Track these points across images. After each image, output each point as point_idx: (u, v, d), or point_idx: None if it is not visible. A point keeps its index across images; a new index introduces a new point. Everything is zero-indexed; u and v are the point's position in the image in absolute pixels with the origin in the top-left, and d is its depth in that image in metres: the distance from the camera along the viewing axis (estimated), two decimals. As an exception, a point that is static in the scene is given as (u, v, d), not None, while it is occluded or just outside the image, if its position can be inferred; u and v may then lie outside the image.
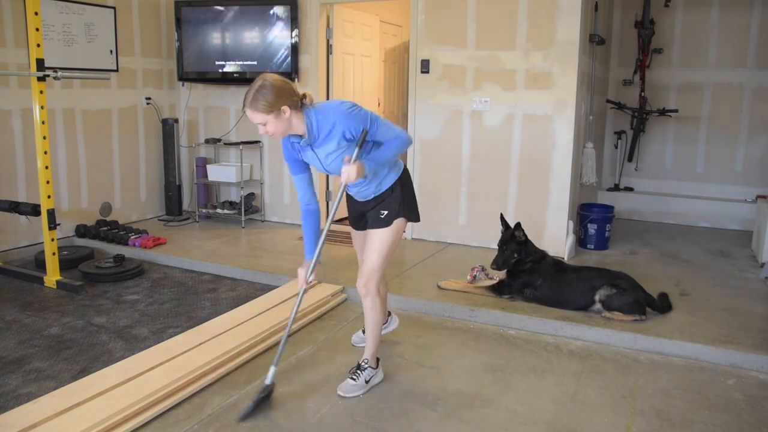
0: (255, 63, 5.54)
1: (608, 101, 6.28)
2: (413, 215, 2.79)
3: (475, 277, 4.07)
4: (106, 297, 3.95)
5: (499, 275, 3.96)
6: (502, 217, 3.85)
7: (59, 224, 4.25)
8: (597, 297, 3.51)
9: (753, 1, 5.82)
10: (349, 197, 2.83)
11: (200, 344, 3.03)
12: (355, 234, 2.93)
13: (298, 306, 2.73)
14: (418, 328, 3.50)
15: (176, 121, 5.92)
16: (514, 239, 3.75)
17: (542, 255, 3.77)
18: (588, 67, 5.07)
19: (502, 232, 3.82)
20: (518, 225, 3.76)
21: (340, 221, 5.90)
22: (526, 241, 3.76)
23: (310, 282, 2.67)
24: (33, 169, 4.57)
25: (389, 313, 3.25)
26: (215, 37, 5.62)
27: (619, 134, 6.40)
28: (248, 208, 5.83)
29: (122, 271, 4.31)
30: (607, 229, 5.03)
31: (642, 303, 3.47)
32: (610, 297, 3.47)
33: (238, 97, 5.87)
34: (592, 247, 5.02)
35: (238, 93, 5.87)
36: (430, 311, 3.73)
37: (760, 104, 5.92)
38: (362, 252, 2.81)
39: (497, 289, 3.79)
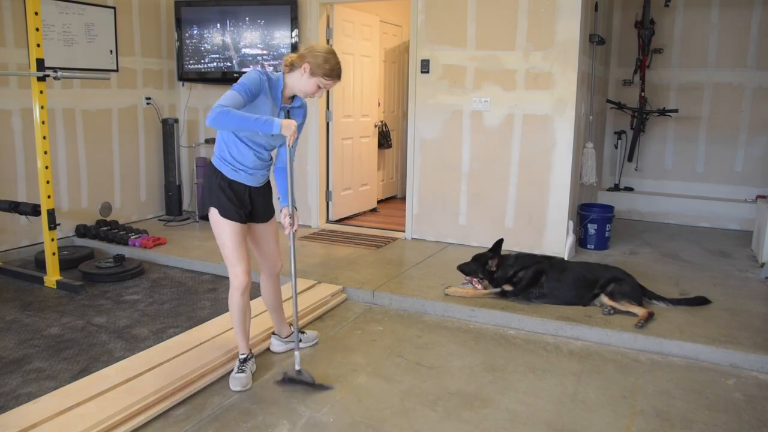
0: (255, 63, 5.54)
1: (608, 101, 6.28)
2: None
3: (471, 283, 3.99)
4: (106, 297, 3.95)
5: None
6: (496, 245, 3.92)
7: (59, 224, 4.25)
8: (602, 291, 3.63)
9: (753, 1, 5.82)
10: (237, 184, 2.71)
11: (200, 344, 3.03)
12: (239, 227, 2.78)
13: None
14: (418, 328, 3.50)
15: (176, 121, 5.92)
16: (485, 258, 3.88)
17: (526, 265, 3.82)
18: (588, 67, 5.07)
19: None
20: (498, 242, 3.88)
21: (339, 221, 5.90)
22: (495, 262, 3.85)
23: (294, 228, 2.85)
24: (33, 169, 4.57)
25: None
26: (215, 37, 5.62)
27: (619, 134, 6.40)
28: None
29: (122, 271, 4.31)
30: (607, 229, 5.03)
31: (640, 290, 3.66)
32: (617, 288, 3.60)
33: (238, 97, 5.86)
34: (592, 247, 5.02)
35: (238, 93, 5.86)
36: (430, 311, 3.73)
37: (760, 104, 5.92)
38: (256, 242, 3.01)
39: (503, 294, 3.79)
